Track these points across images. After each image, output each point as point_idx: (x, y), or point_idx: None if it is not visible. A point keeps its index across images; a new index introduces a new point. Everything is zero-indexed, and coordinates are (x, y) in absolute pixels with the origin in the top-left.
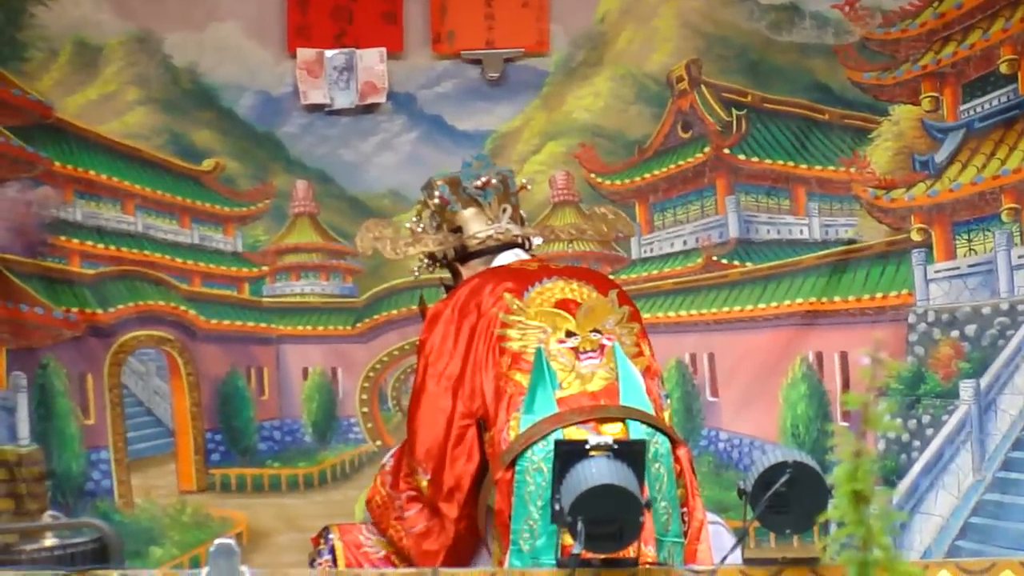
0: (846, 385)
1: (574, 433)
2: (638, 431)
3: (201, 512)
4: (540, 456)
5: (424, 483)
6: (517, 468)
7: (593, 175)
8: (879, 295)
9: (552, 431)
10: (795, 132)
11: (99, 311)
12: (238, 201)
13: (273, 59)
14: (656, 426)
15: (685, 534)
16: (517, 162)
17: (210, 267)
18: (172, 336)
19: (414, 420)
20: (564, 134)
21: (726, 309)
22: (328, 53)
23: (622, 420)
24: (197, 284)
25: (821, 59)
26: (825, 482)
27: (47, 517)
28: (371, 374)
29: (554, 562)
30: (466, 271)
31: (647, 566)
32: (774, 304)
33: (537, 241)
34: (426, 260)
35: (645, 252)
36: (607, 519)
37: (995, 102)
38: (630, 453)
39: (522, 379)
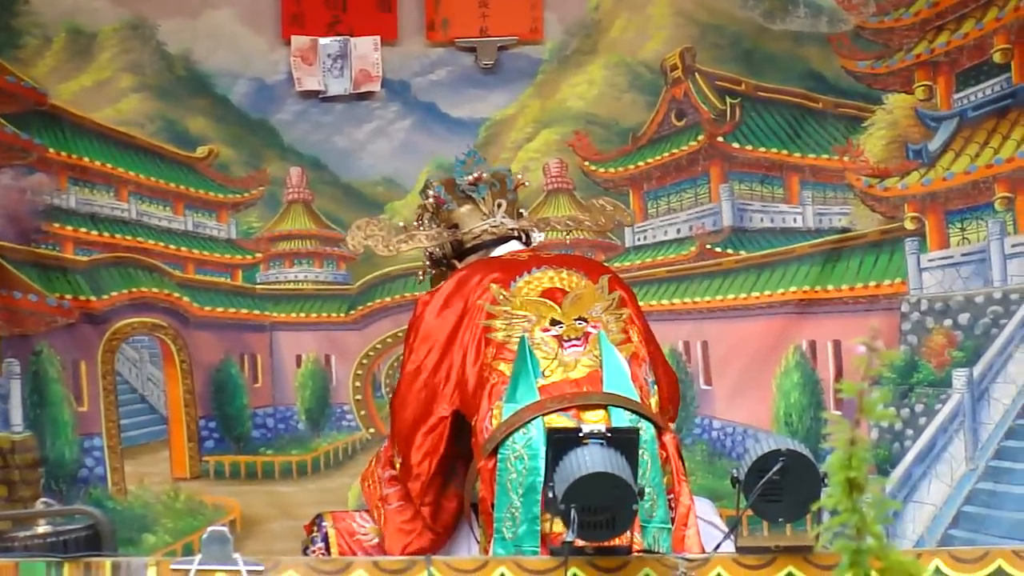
0: (839, 374)
1: (555, 420)
2: (620, 418)
3: (194, 499)
4: (521, 444)
5: (398, 463)
6: (499, 456)
7: (587, 163)
8: (872, 284)
9: (533, 418)
10: (789, 120)
11: (93, 298)
12: (232, 188)
13: (267, 46)
14: (640, 412)
15: (672, 520)
16: (511, 150)
17: (204, 254)
18: (166, 323)
19: (394, 404)
20: (558, 122)
21: (720, 297)
22: (322, 40)
23: (604, 407)
24: (191, 271)
25: (815, 47)
26: (818, 470)
27: (40, 504)
28: (364, 361)
29: (536, 549)
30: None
31: (639, 554)
32: (768, 292)
33: (539, 237)
34: (427, 262)
35: (639, 240)
36: (600, 507)
37: (989, 91)
38: (624, 441)
39: (506, 369)
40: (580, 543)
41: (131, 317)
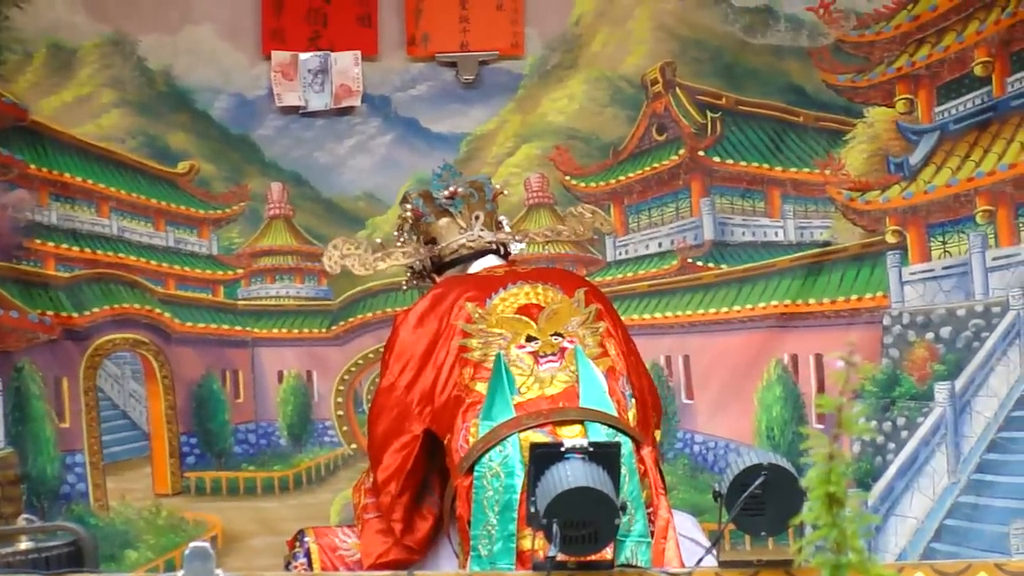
0: (821, 387)
1: (532, 437)
2: (597, 432)
3: (176, 515)
4: (497, 461)
5: (369, 479)
6: (475, 474)
7: (568, 177)
8: (854, 297)
9: (509, 435)
10: (770, 134)
11: (74, 314)
12: (213, 204)
13: (248, 62)
14: (618, 427)
15: (652, 534)
16: (492, 165)
17: (185, 270)
18: (147, 339)
19: (369, 419)
20: (539, 136)
21: (701, 311)
22: (303, 56)
23: (580, 422)
24: (172, 287)
25: (796, 61)
26: (800, 484)
27: (22, 520)
28: (346, 377)
29: (511, 566)
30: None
31: (622, 569)
32: (749, 306)
33: (518, 247)
34: (408, 273)
35: (620, 254)
36: (582, 522)
37: (969, 104)
38: (606, 455)
39: (482, 388)
40: (562, 558)
41: (113, 333)
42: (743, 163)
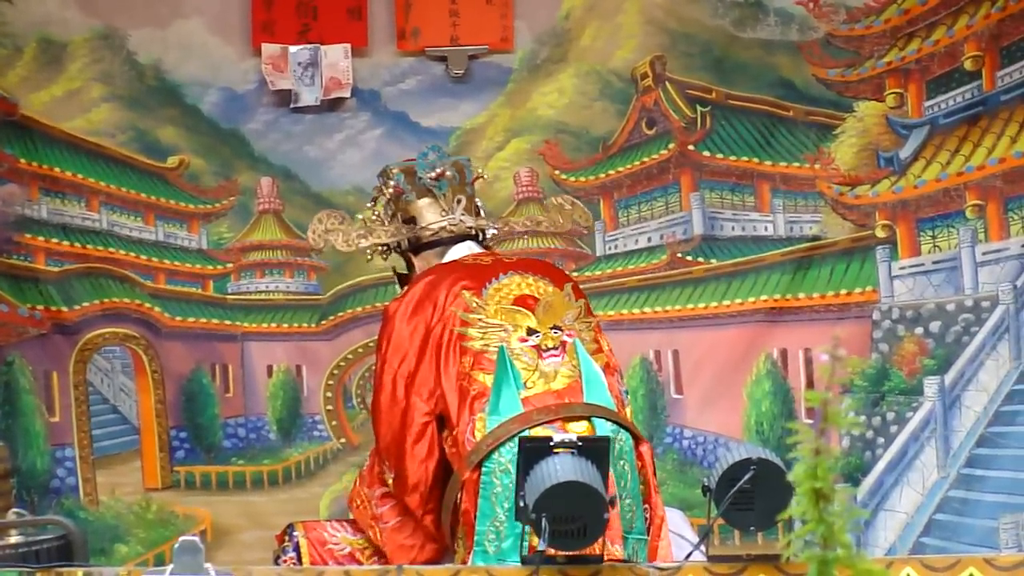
0: (810, 382)
1: (541, 433)
2: (603, 429)
3: (166, 509)
4: (507, 458)
5: (390, 480)
6: (484, 469)
7: (557, 172)
8: (843, 292)
9: (519, 431)
10: (760, 129)
11: (64, 308)
12: (203, 198)
13: (237, 55)
14: (620, 423)
15: (648, 530)
16: (482, 159)
17: (175, 264)
18: (137, 333)
19: (376, 419)
20: (528, 131)
21: (690, 306)
22: (292, 49)
23: (587, 418)
24: (161, 281)
25: (785, 56)
26: (789, 479)
27: (12, 515)
28: (335, 371)
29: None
30: (419, 262)
31: (611, 563)
32: (739, 301)
33: (491, 232)
34: (380, 247)
35: (609, 249)
36: (571, 516)
37: (959, 98)
38: (594, 450)
39: (485, 379)
40: (551, 552)
41: (102, 327)
42: (733, 157)
